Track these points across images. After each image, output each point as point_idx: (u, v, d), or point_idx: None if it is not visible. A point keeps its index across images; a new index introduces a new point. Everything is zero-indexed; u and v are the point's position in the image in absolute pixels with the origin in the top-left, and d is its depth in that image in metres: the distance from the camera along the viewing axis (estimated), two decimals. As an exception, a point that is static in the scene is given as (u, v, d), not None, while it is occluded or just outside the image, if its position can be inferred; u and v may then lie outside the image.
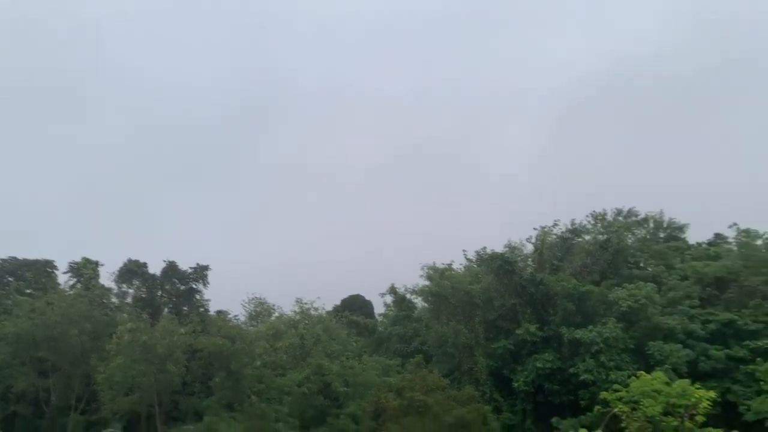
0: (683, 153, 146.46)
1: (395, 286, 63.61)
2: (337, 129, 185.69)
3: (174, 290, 61.49)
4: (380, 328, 68.21)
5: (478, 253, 59.79)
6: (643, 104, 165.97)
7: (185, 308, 60.72)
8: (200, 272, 61.20)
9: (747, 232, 57.56)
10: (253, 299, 66.66)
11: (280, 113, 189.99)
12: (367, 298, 79.82)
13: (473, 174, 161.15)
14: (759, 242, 56.33)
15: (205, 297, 61.87)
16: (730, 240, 62.00)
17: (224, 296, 66.77)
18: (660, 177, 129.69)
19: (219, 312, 58.94)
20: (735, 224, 59.64)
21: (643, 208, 70.30)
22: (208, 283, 61.50)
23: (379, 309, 74.99)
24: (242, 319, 63.87)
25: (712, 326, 49.51)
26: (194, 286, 61.44)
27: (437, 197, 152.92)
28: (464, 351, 52.62)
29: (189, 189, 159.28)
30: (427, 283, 56.36)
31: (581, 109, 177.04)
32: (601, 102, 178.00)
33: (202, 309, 60.51)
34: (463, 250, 60.99)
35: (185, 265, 61.43)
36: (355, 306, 76.56)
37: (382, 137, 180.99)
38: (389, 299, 66.65)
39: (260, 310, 66.50)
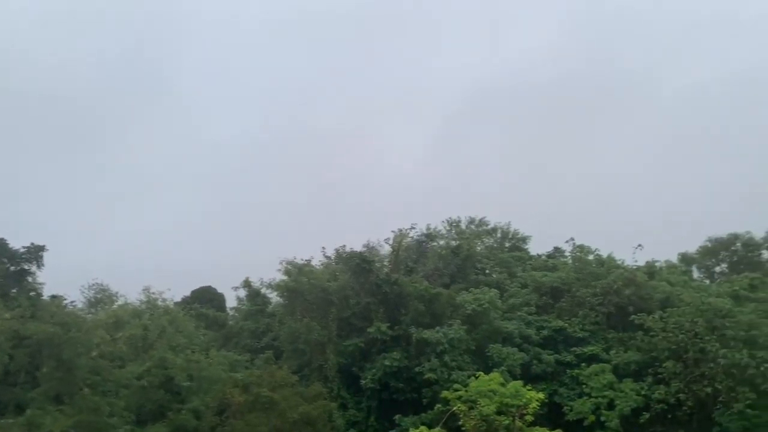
0: (556, 166, 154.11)
1: (250, 279, 62.43)
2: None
3: (2, 270, 55.74)
4: (231, 323, 66.57)
5: (337, 250, 60.31)
6: (526, 115, 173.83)
7: (14, 291, 55.22)
8: (34, 252, 55.94)
9: (581, 248, 62.96)
10: (93, 285, 62.31)
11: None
12: (220, 290, 77.54)
13: (356, 170, 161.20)
14: (591, 257, 61.76)
15: (39, 280, 56.66)
16: (566, 254, 67.42)
17: (73, 282, 61.58)
18: (529, 189, 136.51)
19: (53, 297, 54.29)
20: (572, 239, 65.01)
21: (494, 219, 74.90)
22: (43, 265, 56.31)
23: (232, 303, 73.18)
24: (80, 306, 59.41)
25: (545, 332, 53.54)
26: (26, 267, 56.06)
27: (315, 189, 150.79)
28: (316, 348, 52.70)
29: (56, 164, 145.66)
30: (284, 278, 55.91)
31: (470, 114, 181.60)
32: (489, 109, 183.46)
33: (33, 293, 55.34)
34: (322, 247, 61.23)
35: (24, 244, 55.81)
36: (205, 298, 74.02)
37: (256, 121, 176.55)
38: (243, 293, 65.26)
39: (101, 297, 62.29)
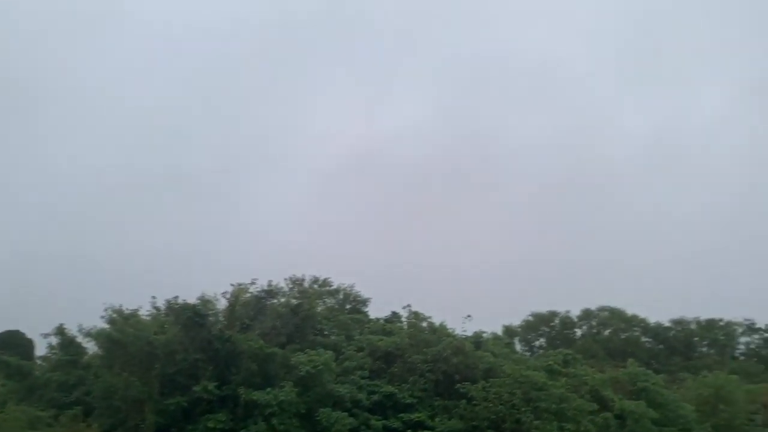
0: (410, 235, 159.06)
1: (64, 326, 56.93)
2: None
3: None
4: (37, 373, 59.76)
5: (168, 301, 56.98)
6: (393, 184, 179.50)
7: None
8: None
9: (416, 314, 64.93)
10: None
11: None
12: (30, 336, 69.83)
13: (215, 219, 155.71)
14: (424, 324, 63.78)
15: None
16: (403, 319, 69.09)
17: None
18: (382, 254, 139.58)
19: None
20: (408, 305, 66.89)
21: (337, 280, 75.35)
22: None
23: (42, 351, 65.91)
24: None
25: (376, 397, 53.76)
26: None
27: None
28: (133, 405, 48.67)
29: None
30: (106, 326, 51.64)
31: (338, 179, 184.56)
32: (358, 177, 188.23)
33: None
34: (152, 297, 57.59)
35: None
36: (11, 344, 66.22)
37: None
38: (55, 340, 59.13)
39: None
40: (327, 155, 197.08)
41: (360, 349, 60.05)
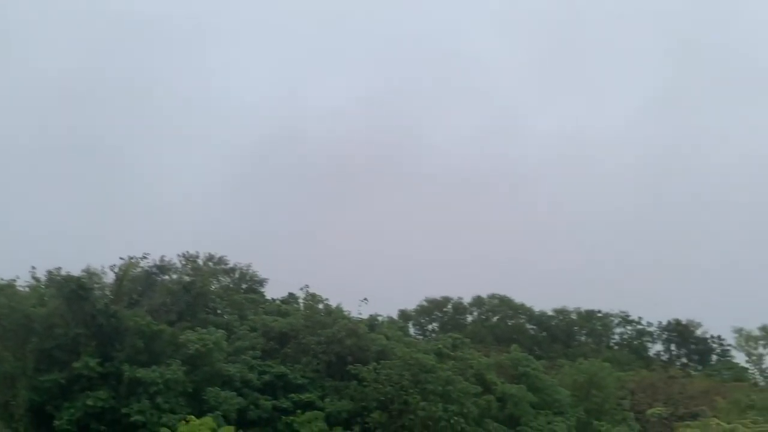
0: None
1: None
2: None
3: None
4: None
5: (50, 272, 53.97)
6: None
7: None
8: None
9: (313, 296, 65.03)
10: None
11: None
12: None
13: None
14: (321, 306, 64.00)
15: None
16: (300, 301, 68.99)
17: None
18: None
19: None
20: (306, 287, 66.80)
21: (234, 259, 74.03)
22: None
23: None
24: None
25: (267, 377, 53.49)
26: None
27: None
28: (4, 382, 45.84)
29: None
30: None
31: (262, 156, 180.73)
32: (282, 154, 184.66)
33: None
34: (32, 267, 54.36)
35: None
36: None
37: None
38: None
39: None
40: (244, 135, 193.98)
41: (253, 329, 59.48)
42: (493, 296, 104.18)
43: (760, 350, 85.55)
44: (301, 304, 67.41)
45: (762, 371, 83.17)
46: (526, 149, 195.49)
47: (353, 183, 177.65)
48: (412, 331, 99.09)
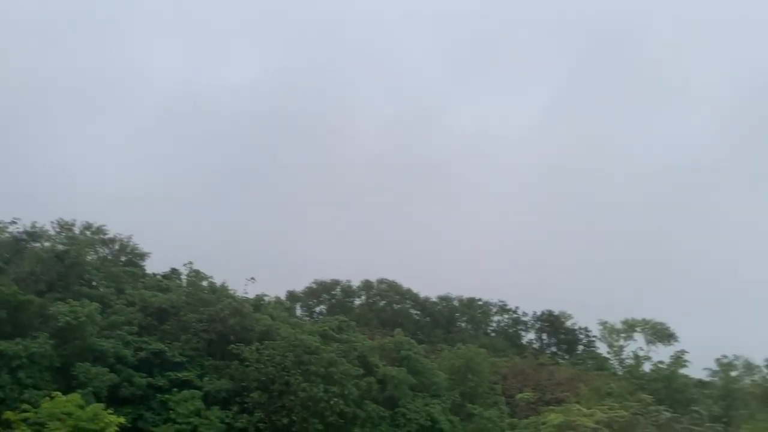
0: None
1: None
2: None
3: None
4: None
5: None
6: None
7: None
8: None
9: (197, 273, 62.97)
10: None
11: None
12: None
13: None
14: (205, 283, 62.17)
15: None
16: (183, 277, 66.56)
17: None
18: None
19: None
20: (190, 263, 64.51)
21: (114, 229, 70.18)
22: None
23: None
24: None
25: (143, 354, 51.37)
26: None
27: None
28: None
29: None
30: None
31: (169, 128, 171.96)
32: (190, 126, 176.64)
33: None
34: None
35: None
36: None
37: None
38: None
39: None
40: (152, 106, 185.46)
41: (131, 304, 56.81)
42: (381, 281, 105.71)
43: (621, 342, 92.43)
44: (184, 281, 65.11)
45: (621, 362, 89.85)
46: (436, 143, 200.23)
47: (263, 160, 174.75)
48: (299, 312, 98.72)
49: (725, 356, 73.44)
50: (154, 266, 70.81)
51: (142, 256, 70.60)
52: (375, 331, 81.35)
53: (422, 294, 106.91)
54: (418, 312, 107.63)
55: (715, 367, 73.01)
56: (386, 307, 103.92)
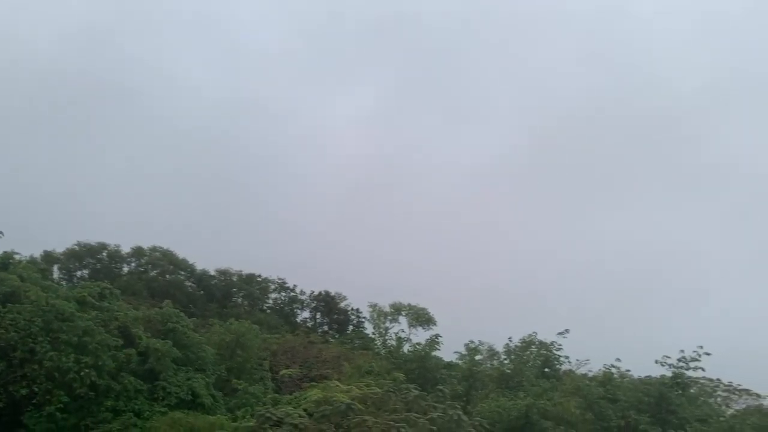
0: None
1: None
2: None
3: None
4: None
5: None
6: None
7: None
8: None
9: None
10: None
11: None
12: None
13: None
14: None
15: None
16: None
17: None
18: None
19: None
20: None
21: None
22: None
23: None
24: None
25: None
26: None
27: None
28: None
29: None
30: None
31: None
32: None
33: None
34: None
35: None
36: None
37: None
38: None
39: None
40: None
41: None
42: (155, 249, 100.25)
43: (387, 324, 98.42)
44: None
45: (385, 342, 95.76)
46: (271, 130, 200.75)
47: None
48: (57, 275, 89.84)
49: (472, 342, 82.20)
50: None
51: None
52: (143, 302, 77.11)
53: (200, 267, 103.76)
54: (193, 284, 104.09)
55: (463, 351, 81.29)
56: (158, 277, 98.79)
